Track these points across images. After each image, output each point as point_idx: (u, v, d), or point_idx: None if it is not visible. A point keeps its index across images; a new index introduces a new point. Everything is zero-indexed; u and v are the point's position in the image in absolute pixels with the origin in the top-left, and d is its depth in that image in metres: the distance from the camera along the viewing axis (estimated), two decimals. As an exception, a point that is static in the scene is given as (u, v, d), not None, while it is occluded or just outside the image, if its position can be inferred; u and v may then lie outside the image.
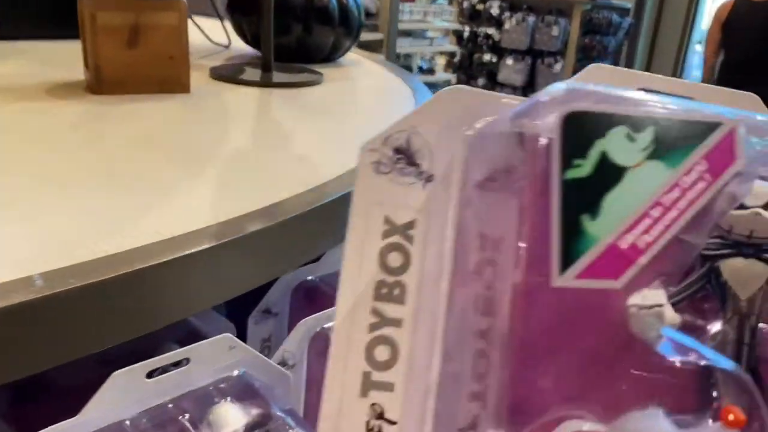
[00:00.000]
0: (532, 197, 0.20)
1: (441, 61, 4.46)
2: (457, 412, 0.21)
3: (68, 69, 0.75)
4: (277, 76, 0.86)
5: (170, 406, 0.40)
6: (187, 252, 0.38)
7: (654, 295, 0.19)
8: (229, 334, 0.42)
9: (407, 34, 3.70)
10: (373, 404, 0.21)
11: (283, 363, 0.48)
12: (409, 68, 3.79)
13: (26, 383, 0.43)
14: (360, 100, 0.90)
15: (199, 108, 0.71)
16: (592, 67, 0.23)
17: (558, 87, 0.20)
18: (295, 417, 0.45)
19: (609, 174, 0.19)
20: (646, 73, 0.23)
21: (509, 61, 4.53)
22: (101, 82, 0.70)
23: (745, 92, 0.24)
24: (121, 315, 0.36)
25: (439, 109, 0.23)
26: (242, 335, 0.56)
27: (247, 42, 1.05)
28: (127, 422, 0.38)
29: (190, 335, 0.50)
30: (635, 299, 0.19)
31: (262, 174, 0.53)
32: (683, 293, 0.21)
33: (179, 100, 0.71)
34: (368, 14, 3.24)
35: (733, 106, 0.24)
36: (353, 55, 1.17)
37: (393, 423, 0.22)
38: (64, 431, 0.35)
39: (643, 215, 0.19)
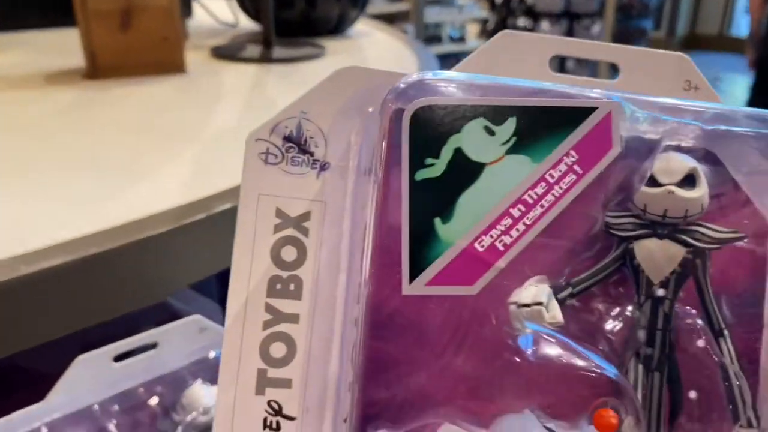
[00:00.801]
0: (383, 193, 0.18)
1: (473, 29, 4.35)
2: (342, 402, 0.20)
3: (70, 57, 0.76)
4: (278, 52, 0.85)
5: (141, 390, 0.41)
6: (144, 235, 0.38)
7: (535, 292, 0.18)
8: (199, 316, 0.42)
9: (436, 2, 3.62)
10: (270, 401, 0.21)
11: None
12: (438, 38, 3.72)
13: (6, 371, 0.44)
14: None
15: (193, 88, 0.71)
16: (501, 35, 0.22)
17: (411, 76, 0.18)
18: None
19: (464, 172, 0.18)
20: (560, 38, 0.21)
21: (545, 25, 4.38)
22: (96, 68, 0.70)
23: (675, 53, 0.22)
24: (77, 301, 0.36)
25: (333, 91, 0.21)
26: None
27: (252, 18, 1.04)
28: (96, 406, 0.39)
29: (171, 319, 0.50)
30: (515, 296, 0.18)
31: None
32: (596, 276, 0.20)
33: (174, 82, 0.71)
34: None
35: (661, 69, 0.22)
36: (364, 27, 1.15)
37: (292, 419, 0.21)
38: (30, 416, 0.36)
39: (503, 215, 0.18)
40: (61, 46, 0.85)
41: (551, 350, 0.18)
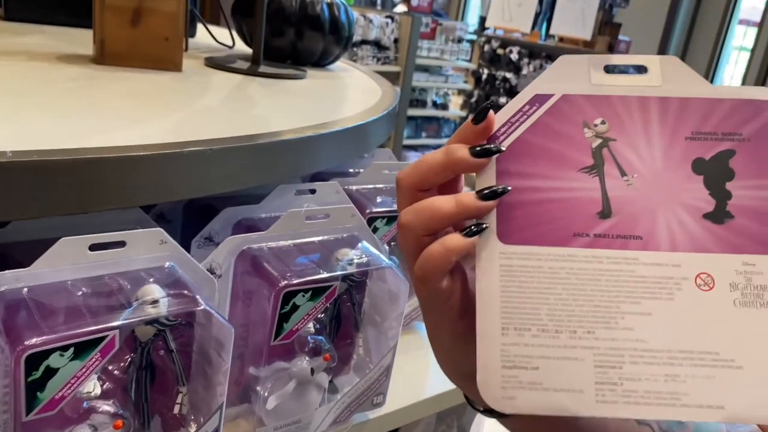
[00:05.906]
0: None
1: (456, 100, 4.61)
2: None
3: (82, 47, 0.88)
4: (264, 68, 0.98)
5: (107, 278, 0.50)
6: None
7: None
8: (161, 229, 0.52)
9: (424, 69, 3.85)
10: None
11: (210, 271, 0.57)
12: (423, 102, 3.94)
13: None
14: (327, 90, 1.01)
15: (183, 81, 0.82)
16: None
17: None
18: (220, 314, 0.54)
19: None
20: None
21: (526, 105, 4.64)
22: (104, 54, 0.81)
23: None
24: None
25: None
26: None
27: (247, 43, 1.17)
28: (69, 283, 0.48)
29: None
30: None
31: (213, 117, 0.63)
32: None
33: (169, 75, 0.83)
34: (381, 47, 3.41)
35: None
36: (344, 65, 1.29)
37: None
38: (17, 278, 0.45)
39: None
40: (78, 39, 0.97)
41: None
